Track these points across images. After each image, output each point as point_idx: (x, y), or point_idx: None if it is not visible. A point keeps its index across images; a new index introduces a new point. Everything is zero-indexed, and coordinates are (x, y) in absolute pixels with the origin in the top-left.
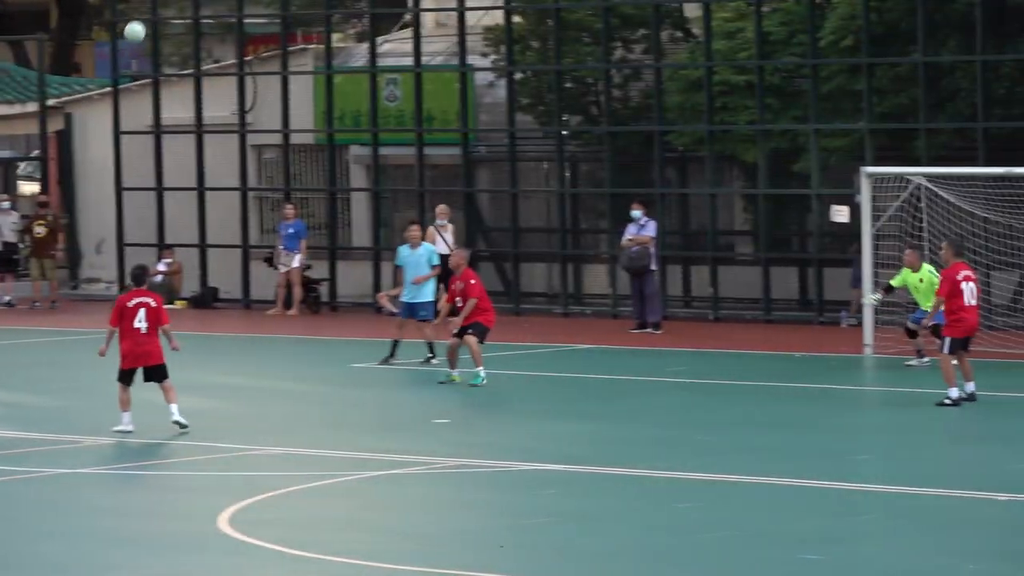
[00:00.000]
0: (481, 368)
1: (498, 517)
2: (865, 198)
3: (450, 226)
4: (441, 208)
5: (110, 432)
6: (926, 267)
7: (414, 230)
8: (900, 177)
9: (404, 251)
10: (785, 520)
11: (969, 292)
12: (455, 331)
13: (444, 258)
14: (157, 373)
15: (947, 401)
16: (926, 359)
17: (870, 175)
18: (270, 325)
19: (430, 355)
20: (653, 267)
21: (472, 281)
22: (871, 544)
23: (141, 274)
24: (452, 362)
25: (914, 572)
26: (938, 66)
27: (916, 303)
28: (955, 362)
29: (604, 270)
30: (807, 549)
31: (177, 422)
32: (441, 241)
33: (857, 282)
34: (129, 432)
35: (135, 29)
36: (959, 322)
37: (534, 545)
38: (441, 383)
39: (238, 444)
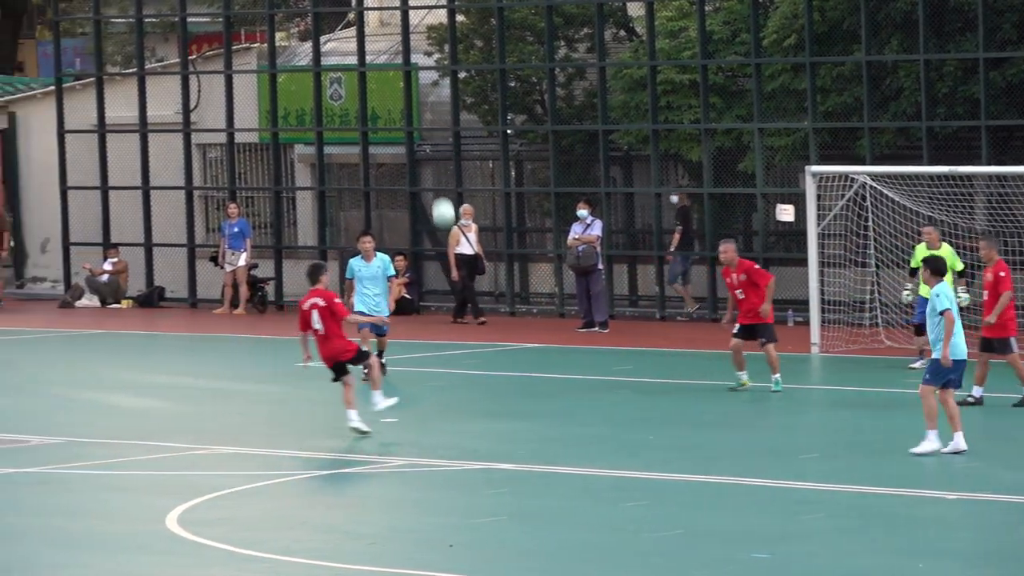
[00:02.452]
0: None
1: (446, 516)
2: (811, 196)
3: (474, 226)
4: (466, 208)
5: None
6: (946, 247)
7: (366, 242)
8: (845, 176)
9: (356, 263)
10: (732, 519)
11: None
12: (736, 331)
13: (469, 258)
14: (345, 368)
15: None
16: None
17: (815, 174)
18: (216, 324)
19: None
20: (600, 266)
21: (756, 267)
22: (819, 543)
23: (316, 272)
24: (739, 364)
25: (863, 571)
26: (881, 65)
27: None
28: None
29: (550, 269)
30: (755, 548)
31: (356, 428)
32: (465, 241)
33: (676, 278)
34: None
35: (444, 214)
36: (1012, 320)
37: (482, 544)
38: (732, 390)
39: (185, 444)
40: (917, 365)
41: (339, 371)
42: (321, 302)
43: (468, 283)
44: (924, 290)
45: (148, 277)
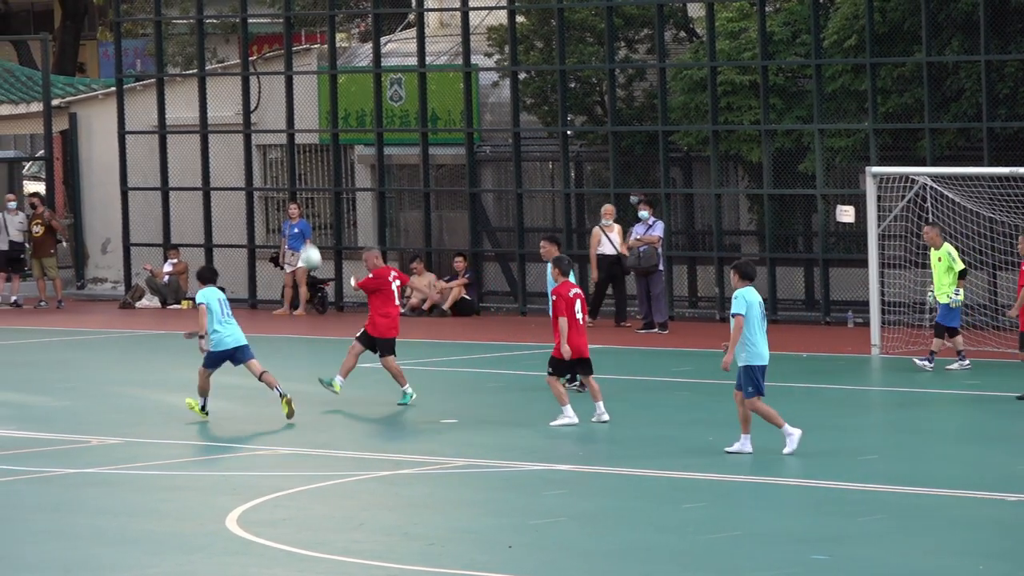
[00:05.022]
0: None
1: (505, 517)
2: (871, 197)
3: (616, 227)
4: (607, 208)
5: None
6: (946, 246)
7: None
8: (905, 177)
9: None
10: (791, 520)
11: None
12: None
13: (610, 259)
14: (586, 366)
15: None
16: (967, 361)
17: (875, 175)
18: (276, 325)
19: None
20: (660, 267)
21: None
22: (878, 544)
23: (566, 265)
24: None
25: (922, 572)
26: (942, 66)
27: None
28: None
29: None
30: (814, 549)
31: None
32: (607, 242)
33: None
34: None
35: (312, 258)
36: None
37: (541, 545)
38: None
39: (245, 444)
40: (955, 367)
41: (575, 367)
42: (580, 291)
43: (608, 284)
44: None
45: None
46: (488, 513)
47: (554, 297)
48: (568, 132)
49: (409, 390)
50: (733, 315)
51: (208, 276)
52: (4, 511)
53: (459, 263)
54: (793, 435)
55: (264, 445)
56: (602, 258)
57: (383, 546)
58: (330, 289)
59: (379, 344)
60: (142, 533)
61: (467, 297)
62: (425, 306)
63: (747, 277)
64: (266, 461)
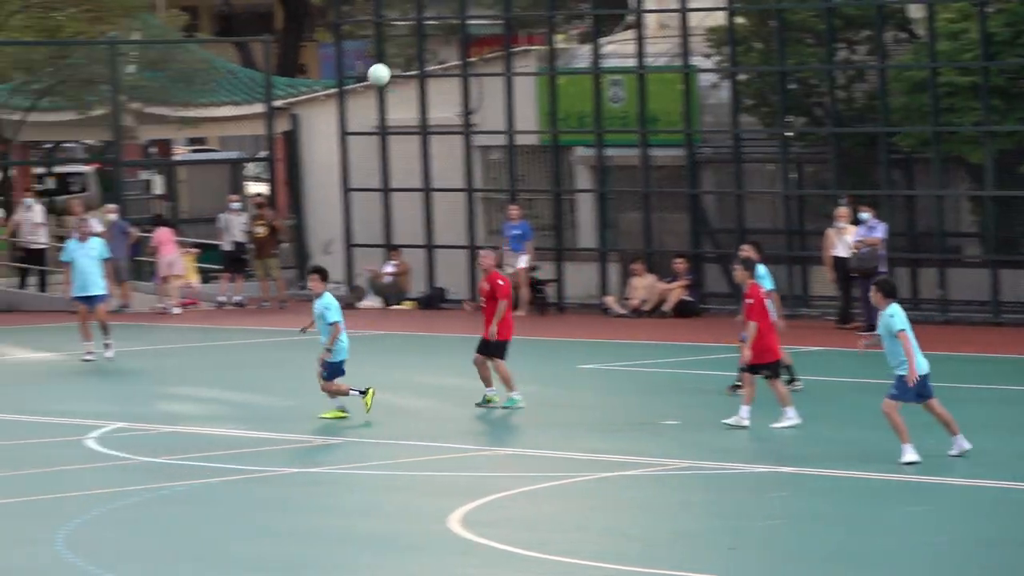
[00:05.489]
0: None
1: (725, 519)
2: None
3: (851, 228)
4: (841, 210)
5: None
6: None
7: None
8: None
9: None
10: (1015, 526)
11: None
12: None
13: (844, 260)
14: (775, 369)
15: None
16: None
17: None
18: None
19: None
20: (882, 268)
21: None
22: None
23: (753, 264)
24: None
25: None
26: None
27: None
28: None
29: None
30: None
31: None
32: (840, 245)
33: None
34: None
35: (380, 74)
36: None
37: (764, 548)
38: None
39: (466, 444)
40: None
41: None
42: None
43: (849, 285)
44: None
45: (429, 278)
46: (710, 515)
47: (751, 300)
48: (788, 133)
49: (516, 396)
50: (899, 332)
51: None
52: (229, 509)
53: (679, 264)
54: (906, 454)
55: (486, 446)
56: (837, 260)
57: (605, 547)
58: (551, 290)
59: (495, 347)
60: (365, 533)
61: (688, 298)
62: (646, 307)
63: (891, 295)
64: (488, 462)
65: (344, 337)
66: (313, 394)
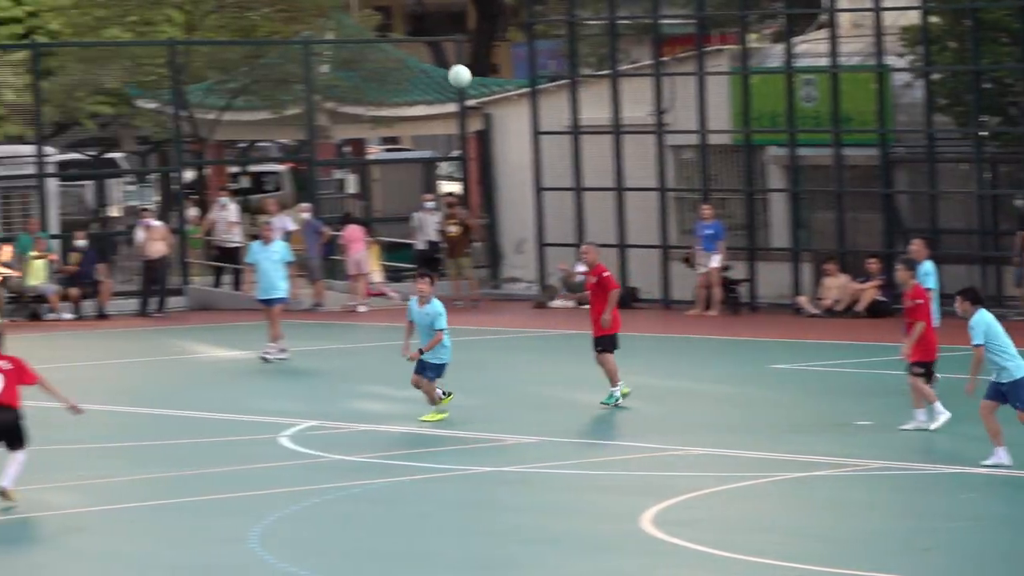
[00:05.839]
0: None
1: (918, 520)
2: None
3: None
4: None
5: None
6: None
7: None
8: None
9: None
10: None
11: None
12: None
13: None
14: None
15: None
16: None
17: None
18: (689, 325)
19: None
20: None
21: None
22: None
23: (915, 263)
24: None
25: None
26: None
27: None
28: None
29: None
30: None
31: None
32: None
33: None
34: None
35: (461, 75)
36: None
37: (958, 550)
38: None
39: (657, 444)
40: None
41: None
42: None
43: None
44: None
45: (622, 278)
46: (901, 515)
47: (920, 300)
48: (982, 133)
49: (617, 392)
50: (975, 346)
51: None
52: (423, 508)
53: (873, 264)
54: (996, 456)
55: (677, 445)
56: None
57: (795, 548)
58: (743, 289)
59: (606, 341)
60: (558, 532)
61: (882, 299)
62: (838, 307)
63: (978, 302)
64: (680, 461)
65: (448, 341)
66: (504, 394)
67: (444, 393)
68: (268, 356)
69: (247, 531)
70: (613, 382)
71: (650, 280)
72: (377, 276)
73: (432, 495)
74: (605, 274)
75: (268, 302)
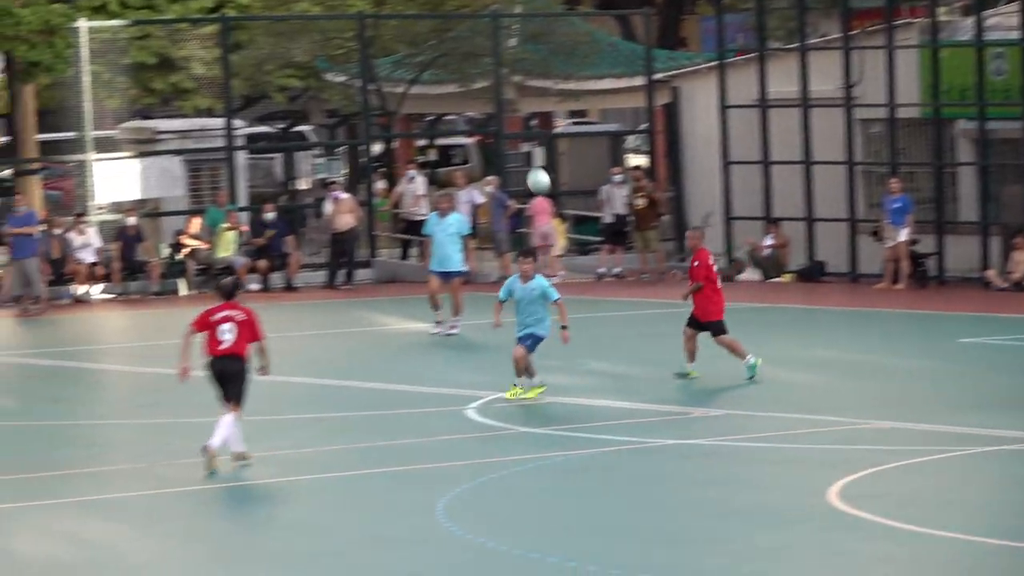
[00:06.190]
0: None
1: None
2: None
3: None
4: None
5: None
6: None
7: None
8: None
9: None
10: None
11: None
12: None
13: None
14: None
15: None
16: None
17: None
18: (876, 299)
19: None
20: None
21: None
22: None
23: None
24: None
25: None
26: None
27: None
28: None
29: None
30: None
31: None
32: None
33: None
34: None
35: (540, 180)
36: None
37: None
38: None
39: (844, 417)
40: None
41: None
42: None
43: None
44: None
45: (809, 251)
46: None
47: None
48: None
49: (752, 360)
50: None
51: None
52: (605, 480)
53: None
54: None
55: (864, 418)
56: None
57: (982, 522)
58: (931, 263)
59: (712, 326)
60: (743, 505)
61: None
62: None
63: None
64: (866, 434)
65: (547, 315)
66: (695, 368)
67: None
68: (445, 331)
69: (433, 502)
70: (742, 355)
71: (838, 254)
72: (561, 249)
73: (618, 468)
74: (711, 261)
75: (444, 275)
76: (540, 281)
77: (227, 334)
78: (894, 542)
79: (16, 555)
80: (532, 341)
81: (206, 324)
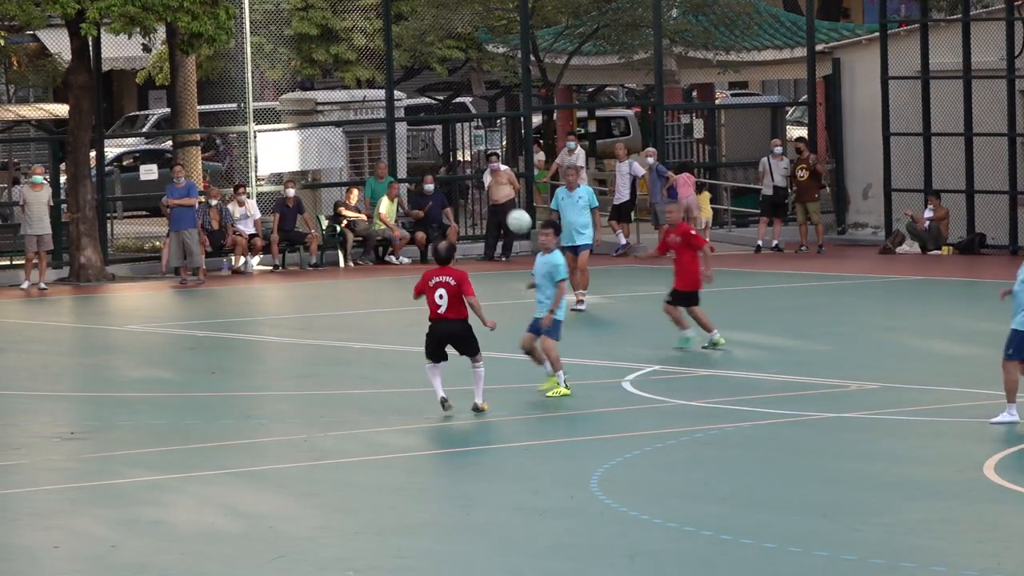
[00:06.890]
0: None
1: None
2: None
3: None
4: None
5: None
6: None
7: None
8: None
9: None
10: None
11: None
12: None
13: None
14: None
15: None
16: None
17: None
18: None
19: None
20: None
21: None
22: None
23: None
24: None
25: None
26: None
27: None
28: None
29: None
30: None
31: None
32: None
33: None
34: None
35: (522, 221)
36: None
37: None
38: None
39: (999, 391)
40: None
41: None
42: None
43: None
44: None
45: (969, 224)
46: None
47: None
48: None
49: (689, 334)
50: None
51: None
52: (762, 453)
53: None
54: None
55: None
56: None
57: None
58: None
59: (694, 297)
60: (901, 478)
61: None
62: None
63: None
64: (1021, 408)
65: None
66: (848, 340)
67: (566, 384)
68: (573, 306)
69: (588, 474)
70: (684, 327)
71: (997, 227)
72: (704, 221)
73: (775, 441)
74: (693, 232)
75: (573, 249)
76: (555, 257)
77: (442, 299)
78: None
79: (173, 526)
80: (554, 332)
81: (424, 289)
